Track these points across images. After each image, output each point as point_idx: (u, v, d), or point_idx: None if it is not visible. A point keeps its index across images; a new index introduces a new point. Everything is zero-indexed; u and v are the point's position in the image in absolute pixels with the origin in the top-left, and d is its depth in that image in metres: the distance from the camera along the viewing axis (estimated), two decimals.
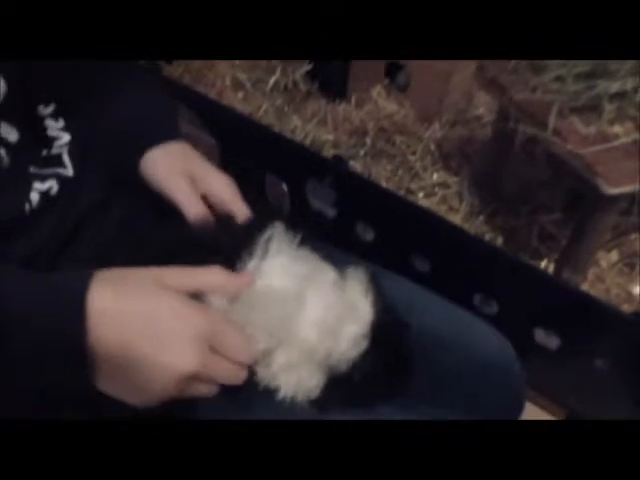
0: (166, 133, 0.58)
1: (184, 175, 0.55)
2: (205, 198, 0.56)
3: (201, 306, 0.43)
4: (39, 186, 0.50)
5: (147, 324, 0.39)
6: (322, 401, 0.49)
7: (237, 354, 0.43)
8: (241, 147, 1.04)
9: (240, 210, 0.54)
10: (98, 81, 0.60)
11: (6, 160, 0.48)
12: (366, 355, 0.48)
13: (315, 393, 0.48)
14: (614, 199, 0.95)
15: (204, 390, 0.42)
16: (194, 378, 0.41)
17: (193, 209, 0.53)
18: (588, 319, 0.90)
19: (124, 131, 0.58)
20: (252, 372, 0.46)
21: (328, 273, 0.50)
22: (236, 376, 0.43)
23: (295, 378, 0.47)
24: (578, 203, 1.24)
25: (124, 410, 0.41)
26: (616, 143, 0.96)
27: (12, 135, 0.49)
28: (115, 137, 0.58)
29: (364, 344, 0.48)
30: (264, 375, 0.47)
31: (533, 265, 1.12)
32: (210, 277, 0.44)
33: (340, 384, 0.48)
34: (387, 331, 0.49)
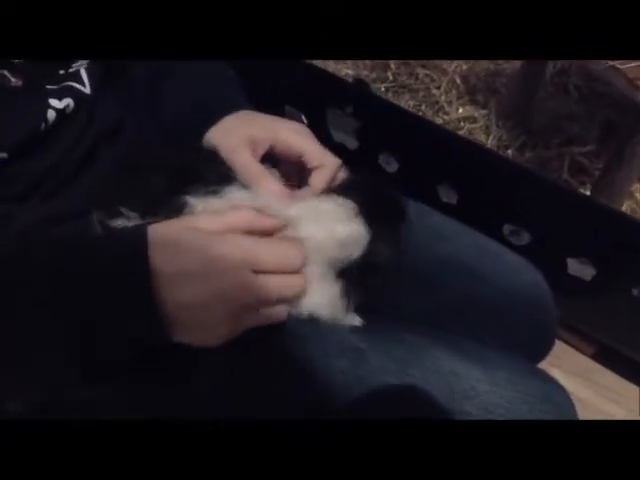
0: (230, 104, 0.56)
1: (245, 143, 0.52)
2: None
3: (228, 238, 0.43)
4: (56, 104, 0.50)
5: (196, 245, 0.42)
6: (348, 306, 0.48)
7: (285, 264, 0.43)
8: (259, 78, 1.00)
9: (313, 152, 0.52)
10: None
11: (15, 80, 0.48)
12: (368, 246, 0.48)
13: (336, 302, 0.48)
14: None
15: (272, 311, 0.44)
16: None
17: (264, 185, 0.51)
18: (626, 243, 0.85)
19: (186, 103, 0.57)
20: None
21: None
22: (296, 286, 0.44)
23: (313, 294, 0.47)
24: (613, 132, 1.18)
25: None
26: None
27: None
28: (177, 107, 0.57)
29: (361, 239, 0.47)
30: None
31: (566, 187, 1.07)
32: (238, 217, 0.45)
33: (356, 284, 0.48)
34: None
